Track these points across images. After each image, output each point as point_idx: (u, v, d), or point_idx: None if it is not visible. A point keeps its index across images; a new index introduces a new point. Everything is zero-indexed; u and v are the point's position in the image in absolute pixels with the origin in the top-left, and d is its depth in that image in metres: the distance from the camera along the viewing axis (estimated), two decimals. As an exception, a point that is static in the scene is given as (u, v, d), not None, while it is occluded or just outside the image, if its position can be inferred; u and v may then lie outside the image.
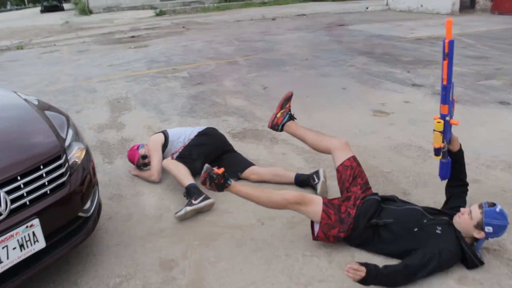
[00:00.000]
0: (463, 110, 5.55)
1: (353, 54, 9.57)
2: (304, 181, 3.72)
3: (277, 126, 3.53)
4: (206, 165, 2.94)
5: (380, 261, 2.75)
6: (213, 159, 4.03)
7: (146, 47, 11.91)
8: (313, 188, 3.64)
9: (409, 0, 18.94)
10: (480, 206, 2.63)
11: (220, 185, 2.89)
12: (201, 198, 3.38)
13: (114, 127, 5.49)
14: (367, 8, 20.59)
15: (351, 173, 3.10)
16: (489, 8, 16.34)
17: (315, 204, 2.85)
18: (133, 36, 14.46)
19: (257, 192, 2.95)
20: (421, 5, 18.27)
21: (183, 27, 16.68)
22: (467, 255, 2.61)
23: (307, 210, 2.86)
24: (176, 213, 3.34)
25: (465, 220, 2.64)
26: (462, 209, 2.73)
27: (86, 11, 26.42)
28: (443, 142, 2.90)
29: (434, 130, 2.89)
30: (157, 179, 3.96)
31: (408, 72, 7.67)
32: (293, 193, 2.89)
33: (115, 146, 4.88)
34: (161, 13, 24.00)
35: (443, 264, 2.58)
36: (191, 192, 3.45)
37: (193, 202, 3.36)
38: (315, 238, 2.87)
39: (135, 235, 3.19)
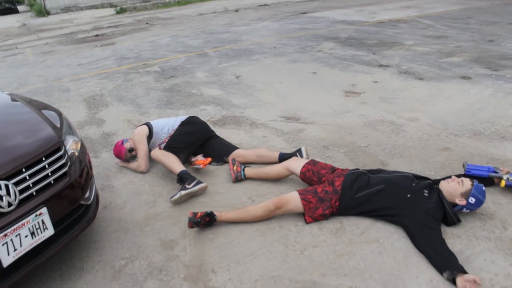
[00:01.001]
0: (429, 86, 5.86)
1: (319, 40, 9.81)
2: (288, 159, 3.91)
3: (240, 175, 3.74)
4: (188, 216, 3.03)
5: (368, 223, 2.99)
6: (198, 146, 4.19)
7: (113, 45, 11.84)
8: None
9: (367, -15, 19.31)
10: (471, 180, 2.97)
11: (207, 223, 3.07)
12: (194, 182, 3.53)
13: (94, 123, 5.55)
14: (327, -5, 20.87)
15: (311, 173, 3.39)
16: (445, -11, 16.86)
17: (293, 199, 3.09)
18: (97, 35, 14.31)
19: (242, 213, 3.14)
20: (380, -10, 18.66)
21: (147, 23, 16.58)
22: (448, 214, 2.89)
23: (289, 208, 3.09)
24: (171, 197, 3.49)
25: (454, 186, 2.95)
26: (453, 177, 3.04)
27: (43, 12, 25.80)
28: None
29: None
30: (145, 170, 4.09)
31: (374, 54, 7.96)
32: (271, 200, 3.12)
33: (98, 141, 4.96)
34: (121, 11, 23.71)
35: (437, 218, 2.85)
36: (183, 178, 3.59)
37: (187, 186, 3.50)
38: (307, 223, 3.08)
39: (133, 221, 3.33)
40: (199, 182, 3.54)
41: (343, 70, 7.00)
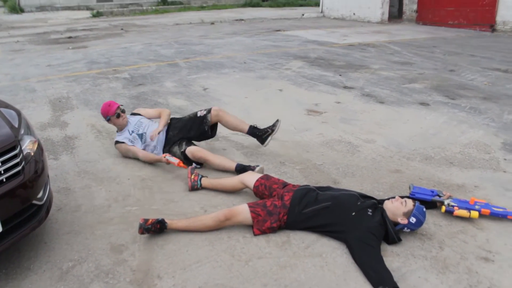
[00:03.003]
0: (388, 109, 6.09)
1: (289, 58, 10.03)
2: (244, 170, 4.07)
3: (196, 185, 3.85)
4: (139, 222, 3.11)
5: (314, 238, 3.11)
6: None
7: (85, 48, 11.80)
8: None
9: (342, 8, 19.83)
10: (414, 201, 3.16)
11: (158, 230, 3.14)
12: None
13: (57, 126, 5.55)
14: (302, 15, 21.31)
15: (264, 187, 3.52)
16: (415, 19, 17.46)
17: (243, 211, 3.20)
18: (70, 37, 14.22)
19: (192, 222, 3.23)
20: (354, 13, 19.20)
21: (122, 29, 16.56)
22: (390, 233, 3.05)
23: (239, 220, 3.20)
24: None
25: (398, 205, 3.12)
26: (397, 197, 3.22)
27: (16, 9, 25.37)
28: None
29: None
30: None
31: (340, 75, 8.20)
32: (222, 211, 3.22)
33: (60, 143, 4.97)
34: (98, 14, 23.55)
35: (379, 236, 2.99)
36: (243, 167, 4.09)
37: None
38: (255, 235, 3.18)
39: (85, 224, 3.37)
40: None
41: (308, 89, 7.19)
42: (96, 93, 7.08)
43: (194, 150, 4.27)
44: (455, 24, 15.76)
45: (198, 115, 4.51)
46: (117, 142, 4.52)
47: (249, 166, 4.09)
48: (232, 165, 4.15)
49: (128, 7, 26.76)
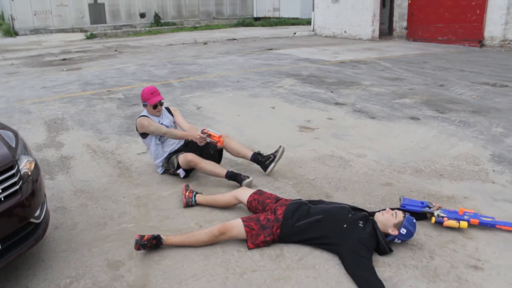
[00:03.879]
0: (379, 125, 6.19)
1: (281, 76, 10.17)
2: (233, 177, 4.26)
3: (191, 201, 3.93)
4: (135, 238, 3.17)
5: (307, 251, 3.17)
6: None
7: (79, 70, 11.91)
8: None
9: (333, 27, 20.13)
10: (404, 212, 3.24)
11: (154, 245, 3.20)
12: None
13: (53, 146, 5.61)
14: (294, 33, 21.60)
15: (257, 202, 3.59)
16: (405, 35, 17.75)
17: (237, 226, 3.27)
18: (64, 59, 14.34)
19: (188, 237, 3.29)
20: (345, 31, 19.49)
21: (116, 50, 16.72)
22: (381, 244, 3.12)
23: (233, 234, 3.27)
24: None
25: (388, 217, 3.20)
26: (387, 209, 3.30)
27: (11, 32, 25.56)
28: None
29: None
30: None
31: (331, 92, 8.33)
32: (216, 226, 3.30)
33: (55, 164, 5.03)
34: (92, 36, 23.77)
35: (370, 247, 3.06)
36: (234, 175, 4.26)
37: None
38: (249, 249, 3.24)
39: (82, 242, 3.41)
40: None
41: (300, 106, 7.30)
42: (90, 113, 7.16)
43: (186, 154, 4.36)
44: (444, 40, 16.03)
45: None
46: (142, 116, 4.55)
47: (240, 174, 4.21)
48: (223, 172, 4.26)
49: (121, 29, 27.03)
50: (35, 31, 26.18)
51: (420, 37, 16.98)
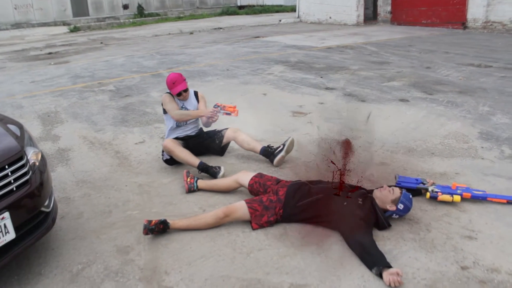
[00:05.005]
0: (371, 107, 6.33)
1: (270, 63, 10.25)
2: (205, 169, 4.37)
3: (192, 187, 4.02)
4: (143, 223, 3.27)
5: (309, 229, 3.30)
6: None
7: (67, 63, 11.85)
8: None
9: (318, 13, 20.20)
10: (400, 189, 3.38)
11: (161, 230, 3.30)
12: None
13: (49, 139, 5.65)
14: (280, 20, 21.63)
15: (258, 185, 3.72)
16: (389, 19, 17.91)
17: (241, 207, 3.39)
18: (50, 53, 14.24)
19: (193, 221, 3.40)
20: (330, 17, 19.57)
21: (101, 42, 16.62)
22: (380, 219, 3.26)
23: (237, 216, 3.39)
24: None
25: (386, 193, 3.33)
26: (385, 186, 3.43)
27: (-8, 28, 25.27)
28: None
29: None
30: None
31: (321, 77, 8.44)
32: (221, 209, 3.42)
33: (54, 156, 5.08)
34: (75, 29, 23.52)
35: (369, 222, 3.21)
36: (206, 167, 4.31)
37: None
38: (253, 229, 3.35)
39: (89, 229, 3.50)
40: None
41: (291, 92, 7.41)
42: (84, 106, 7.19)
43: (166, 140, 4.48)
44: (428, 23, 16.22)
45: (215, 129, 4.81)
46: (168, 92, 4.64)
47: (212, 166, 4.32)
48: (195, 162, 4.36)
49: (105, 21, 26.77)
50: (17, 25, 25.83)
51: (405, 21, 17.15)
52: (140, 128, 5.93)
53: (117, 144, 5.37)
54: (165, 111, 4.64)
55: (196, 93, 4.84)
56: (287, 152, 4.51)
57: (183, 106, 4.64)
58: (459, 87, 7.27)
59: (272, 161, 4.50)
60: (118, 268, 2.99)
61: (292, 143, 4.56)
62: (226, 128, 4.80)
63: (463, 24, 15.06)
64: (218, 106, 4.45)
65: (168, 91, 4.66)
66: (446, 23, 15.58)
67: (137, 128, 5.91)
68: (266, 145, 4.61)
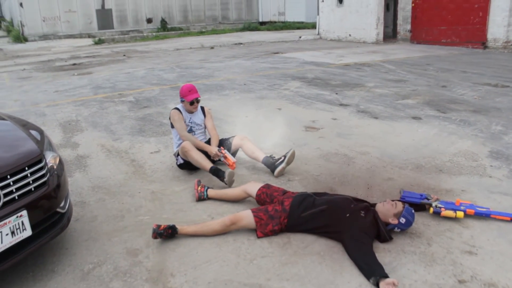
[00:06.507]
0: (382, 124, 6.42)
1: (287, 79, 10.41)
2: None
3: (203, 195, 4.17)
4: (153, 227, 3.42)
5: (312, 239, 3.40)
6: None
7: (90, 74, 12.21)
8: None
9: (338, 30, 20.38)
10: (403, 203, 3.47)
11: (169, 235, 3.45)
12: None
13: (69, 146, 5.87)
14: (300, 37, 21.87)
15: (265, 195, 3.84)
16: (409, 38, 17.97)
17: (247, 216, 3.51)
18: (74, 64, 14.67)
19: (201, 227, 3.54)
20: (349, 35, 19.73)
21: (124, 55, 17.04)
22: (381, 232, 3.34)
23: (243, 224, 3.51)
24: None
25: (388, 207, 3.42)
26: (388, 200, 3.52)
27: (20, 38, 26.02)
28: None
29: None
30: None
31: (336, 94, 8.56)
32: (228, 217, 3.55)
33: (73, 162, 5.28)
34: (100, 42, 24.15)
35: (370, 234, 3.29)
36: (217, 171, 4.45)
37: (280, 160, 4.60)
38: (258, 238, 3.47)
39: (102, 232, 3.65)
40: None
41: (306, 108, 7.54)
42: (103, 115, 7.43)
43: (184, 142, 4.62)
44: (448, 42, 16.24)
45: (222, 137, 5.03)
46: (176, 108, 4.87)
47: (221, 170, 4.44)
48: (208, 166, 4.49)
49: (129, 34, 27.42)
50: (44, 37, 26.63)
51: (424, 40, 17.19)
52: (156, 138, 6.11)
53: (133, 152, 5.56)
54: (172, 125, 4.85)
55: (202, 108, 5.05)
56: (288, 163, 4.65)
57: (191, 120, 4.87)
58: (473, 106, 7.31)
59: (272, 172, 4.65)
60: (127, 269, 3.13)
61: (293, 155, 4.68)
62: (233, 136, 4.99)
63: (483, 44, 15.04)
64: (222, 153, 4.60)
65: (176, 106, 4.88)
66: (466, 43, 15.58)
67: (153, 138, 6.10)
68: (269, 155, 4.76)
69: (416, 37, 17.61)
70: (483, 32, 15.03)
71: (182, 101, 4.86)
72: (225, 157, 4.56)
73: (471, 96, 8.06)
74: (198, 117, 4.96)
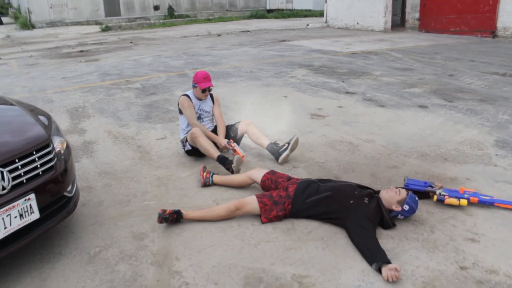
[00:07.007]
0: (388, 112, 6.41)
1: (294, 67, 10.39)
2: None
3: (208, 181, 4.20)
4: (158, 212, 3.46)
5: (316, 225, 3.43)
6: None
7: (97, 61, 12.25)
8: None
9: (346, 18, 20.25)
10: (407, 190, 3.49)
11: (175, 219, 3.49)
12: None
13: (76, 132, 5.93)
14: (307, 25, 21.75)
15: (270, 181, 3.87)
16: (417, 27, 17.82)
17: (251, 201, 3.54)
18: (82, 51, 14.70)
19: (206, 212, 3.58)
20: (357, 23, 19.60)
21: (131, 42, 17.05)
22: (385, 219, 3.37)
23: (248, 209, 3.55)
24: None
25: (392, 194, 3.44)
26: (392, 187, 3.54)
27: (28, 25, 26.05)
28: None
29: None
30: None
31: (342, 82, 8.54)
32: (233, 202, 3.58)
33: (80, 148, 5.33)
34: (107, 29, 24.16)
35: (374, 221, 3.31)
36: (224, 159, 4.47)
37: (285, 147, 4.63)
38: (263, 223, 3.50)
39: (108, 217, 3.71)
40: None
41: (312, 95, 7.54)
42: (110, 102, 7.47)
43: (194, 128, 4.64)
44: (456, 31, 16.10)
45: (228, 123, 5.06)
46: (185, 95, 4.91)
47: (228, 158, 4.46)
48: (215, 154, 4.52)
49: (136, 21, 27.38)
50: (51, 23, 26.64)
51: (433, 28, 17.05)
52: (162, 124, 6.15)
53: (139, 139, 5.60)
54: (181, 112, 4.87)
55: (211, 95, 5.07)
56: (292, 150, 4.68)
57: (200, 107, 4.88)
58: (480, 95, 7.27)
59: (277, 159, 4.69)
60: (133, 253, 3.18)
61: (296, 142, 4.71)
62: (239, 122, 5.02)
63: (493, 33, 14.90)
64: (231, 146, 4.62)
65: (185, 93, 4.90)
66: (475, 31, 15.44)
67: (159, 125, 6.13)
68: (273, 141, 4.80)
69: (425, 25, 17.46)
70: (493, 20, 14.88)
71: (194, 87, 4.87)
72: (235, 150, 4.58)
73: (478, 85, 8.02)
74: (207, 104, 4.98)
